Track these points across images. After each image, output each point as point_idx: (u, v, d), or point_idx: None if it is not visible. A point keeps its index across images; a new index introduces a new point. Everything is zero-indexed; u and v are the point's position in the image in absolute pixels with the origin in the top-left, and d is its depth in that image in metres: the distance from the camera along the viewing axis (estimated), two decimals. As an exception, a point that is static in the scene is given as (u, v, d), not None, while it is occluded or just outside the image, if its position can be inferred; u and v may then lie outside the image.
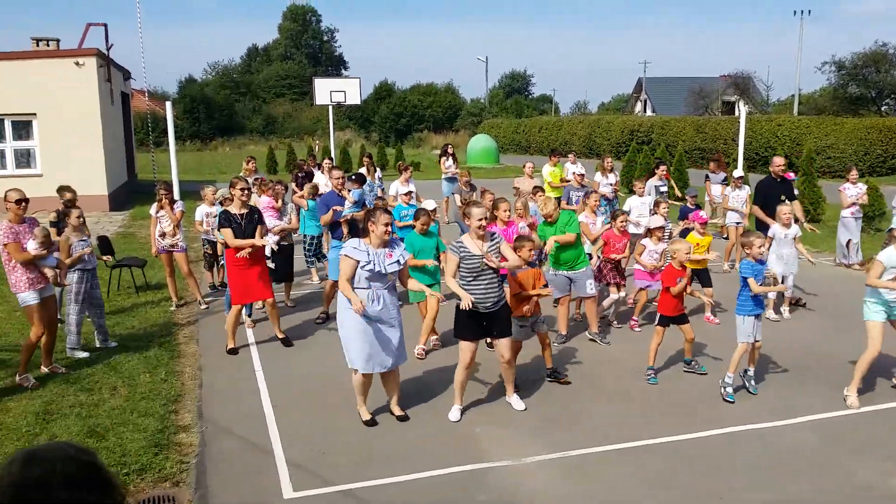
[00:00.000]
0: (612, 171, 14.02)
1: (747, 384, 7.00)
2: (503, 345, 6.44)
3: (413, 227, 8.48)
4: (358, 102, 30.46)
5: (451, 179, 17.27)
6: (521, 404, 6.66)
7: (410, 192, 11.40)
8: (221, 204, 9.32)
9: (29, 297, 7.18)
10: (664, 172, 13.04)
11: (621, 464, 5.61)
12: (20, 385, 7.08)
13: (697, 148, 35.54)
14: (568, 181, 14.01)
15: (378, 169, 15.83)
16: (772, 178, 10.57)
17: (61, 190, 9.36)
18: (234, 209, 8.10)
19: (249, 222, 8.06)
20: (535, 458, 5.69)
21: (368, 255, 5.96)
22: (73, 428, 6.14)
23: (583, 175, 12.99)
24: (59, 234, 8.40)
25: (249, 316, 9.29)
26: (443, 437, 6.10)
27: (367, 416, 6.35)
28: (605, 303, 9.08)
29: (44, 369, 7.50)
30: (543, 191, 12.67)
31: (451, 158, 17.89)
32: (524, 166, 13.82)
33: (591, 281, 8.38)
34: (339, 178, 9.32)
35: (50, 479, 1.50)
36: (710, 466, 5.54)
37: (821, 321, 9.48)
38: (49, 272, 7.26)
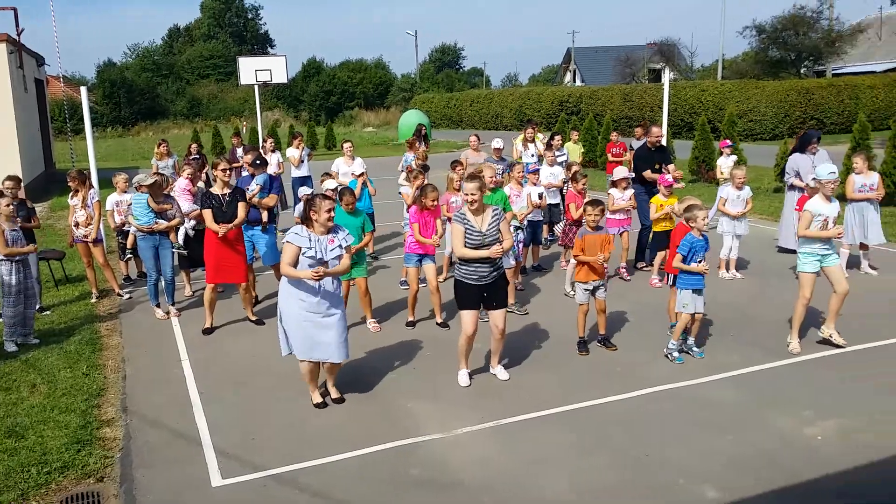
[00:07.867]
0: (533, 141, 13.31)
1: (689, 351, 7.11)
2: (499, 316, 6.47)
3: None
4: (285, 81, 29.87)
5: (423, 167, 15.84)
6: (506, 374, 6.71)
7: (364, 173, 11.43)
8: (137, 190, 8.95)
9: None
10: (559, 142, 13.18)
11: (552, 430, 5.68)
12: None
13: (625, 116, 36.07)
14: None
15: (309, 148, 15.30)
16: (647, 147, 10.56)
17: (8, 179, 9.00)
18: (217, 189, 8.13)
19: (231, 202, 8.10)
20: (467, 428, 5.71)
21: (310, 241, 5.89)
22: (-11, 429, 5.88)
23: (500, 149, 12.05)
24: None
25: (173, 305, 9.01)
26: (373, 414, 6.07)
27: (318, 400, 6.27)
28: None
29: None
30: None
31: (422, 141, 15.61)
32: (470, 140, 13.09)
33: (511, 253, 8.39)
34: (248, 163, 9.37)
35: None
36: (636, 426, 5.66)
37: (748, 285, 9.80)
38: None
